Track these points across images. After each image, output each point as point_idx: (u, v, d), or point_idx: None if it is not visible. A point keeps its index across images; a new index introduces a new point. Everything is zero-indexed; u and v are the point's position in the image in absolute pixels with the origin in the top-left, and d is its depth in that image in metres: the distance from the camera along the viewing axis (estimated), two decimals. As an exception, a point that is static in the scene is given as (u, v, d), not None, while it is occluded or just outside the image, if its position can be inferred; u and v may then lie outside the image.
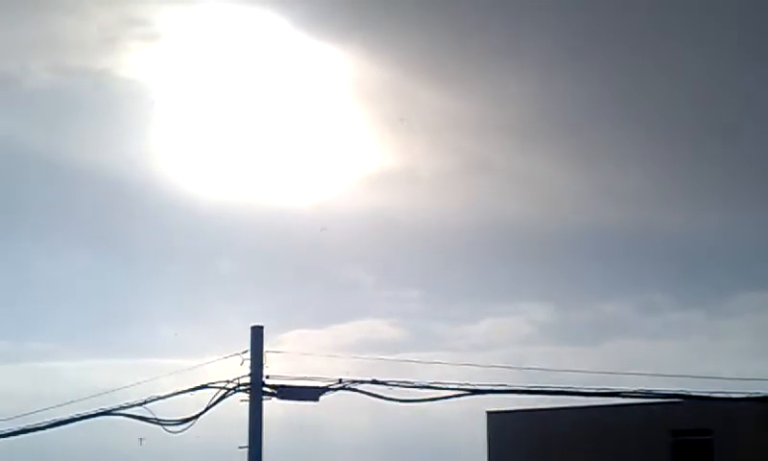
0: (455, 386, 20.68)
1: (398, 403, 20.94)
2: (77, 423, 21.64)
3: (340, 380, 20.85)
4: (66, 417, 21.74)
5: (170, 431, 21.08)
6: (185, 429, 21.05)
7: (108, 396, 21.95)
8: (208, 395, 20.89)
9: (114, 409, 21.26)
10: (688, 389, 21.82)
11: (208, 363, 22.11)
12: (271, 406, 21.21)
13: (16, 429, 22.34)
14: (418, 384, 20.57)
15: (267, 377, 20.98)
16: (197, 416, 20.89)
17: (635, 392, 21.19)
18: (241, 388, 20.94)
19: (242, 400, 21.05)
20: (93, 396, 22.15)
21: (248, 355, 21.07)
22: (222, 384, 20.86)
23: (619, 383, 21.51)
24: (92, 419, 21.54)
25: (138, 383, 22.12)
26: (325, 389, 20.94)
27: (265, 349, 21.16)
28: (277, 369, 21.05)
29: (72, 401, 22.05)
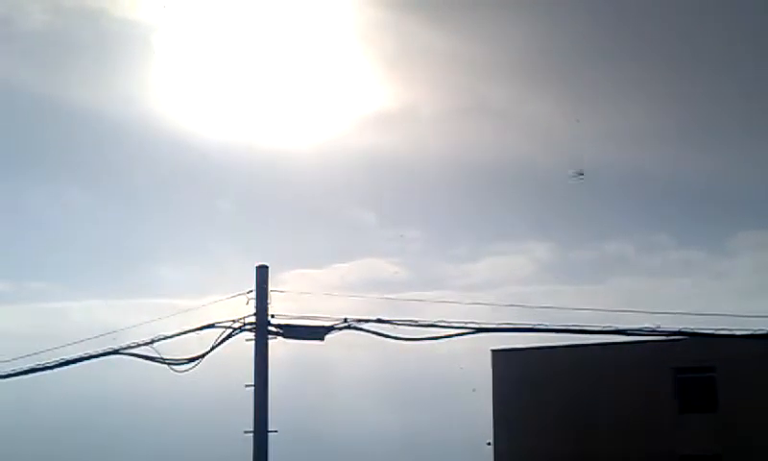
0: (460, 324, 20.71)
1: (403, 342, 20.97)
2: (84, 362, 21.72)
3: (345, 319, 20.87)
4: (74, 356, 21.82)
5: (176, 370, 21.16)
6: (191, 368, 21.13)
7: (112, 336, 22.02)
8: (214, 334, 20.95)
9: (122, 348, 21.32)
10: (691, 326, 21.82)
11: (213, 303, 22.14)
12: (275, 346, 21.27)
13: (24, 369, 22.43)
14: (423, 323, 20.58)
15: (272, 317, 21.02)
16: (203, 355, 20.95)
17: (638, 330, 21.17)
18: (246, 327, 20.98)
19: (247, 340, 21.10)
20: (98, 336, 22.22)
21: (253, 295, 21.08)
22: (228, 324, 20.89)
23: (622, 321, 21.52)
24: (99, 358, 21.61)
25: (144, 323, 22.18)
26: (331, 328, 20.97)
27: (269, 288, 21.17)
28: (281, 308, 21.10)
29: (78, 341, 22.13)
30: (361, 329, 20.91)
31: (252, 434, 21.10)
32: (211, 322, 20.97)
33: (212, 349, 20.91)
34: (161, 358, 21.04)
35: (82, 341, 22.09)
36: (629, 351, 40.41)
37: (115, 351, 21.36)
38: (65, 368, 21.95)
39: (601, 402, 42.66)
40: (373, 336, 20.85)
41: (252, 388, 21.04)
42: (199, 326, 21.04)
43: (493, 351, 44.50)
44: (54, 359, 22.02)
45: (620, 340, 28.58)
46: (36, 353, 22.36)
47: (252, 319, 21.00)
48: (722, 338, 22.59)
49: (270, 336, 21.02)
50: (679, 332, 21.88)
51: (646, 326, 21.13)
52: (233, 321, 20.92)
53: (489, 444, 45.07)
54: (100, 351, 21.59)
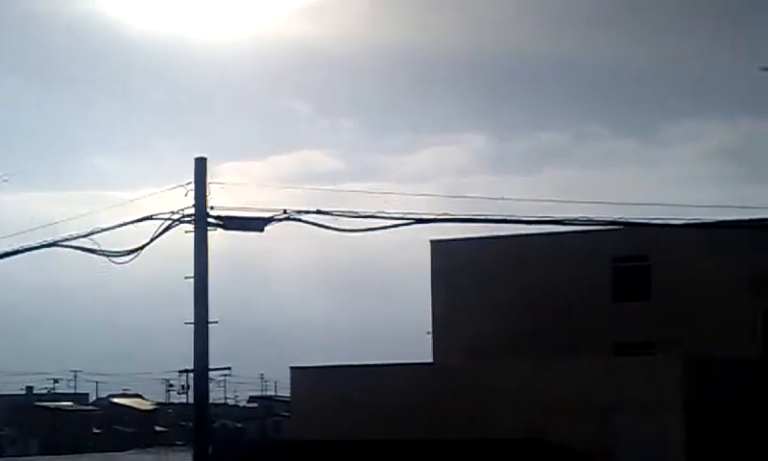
0: (399, 215, 20.82)
1: (343, 233, 21.07)
2: (21, 255, 21.58)
3: (284, 211, 20.89)
4: (11, 249, 21.66)
5: (116, 262, 21.09)
6: (131, 260, 21.08)
7: (49, 228, 21.86)
8: (152, 227, 20.88)
9: (60, 241, 21.19)
10: (627, 216, 22.10)
11: (151, 195, 22.05)
12: (215, 238, 21.27)
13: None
14: (362, 214, 20.65)
15: (212, 208, 20.98)
16: (142, 247, 20.89)
17: (575, 219, 21.40)
18: (186, 219, 20.92)
19: (187, 232, 21.05)
20: (34, 228, 22.05)
21: (191, 187, 20.99)
22: (167, 215, 20.82)
23: (559, 211, 21.72)
24: (36, 251, 21.48)
25: (80, 216, 22.02)
26: (270, 219, 20.98)
27: (208, 180, 21.09)
28: (219, 200, 21.04)
29: (14, 234, 21.94)
30: (300, 220, 20.95)
31: (192, 325, 21.18)
32: (150, 214, 20.90)
33: (151, 240, 20.84)
34: (101, 250, 20.93)
35: (17, 234, 21.92)
36: (566, 241, 40.89)
37: (53, 244, 21.22)
38: (1, 261, 21.79)
39: (538, 292, 43.20)
40: (313, 228, 20.91)
41: (192, 280, 21.07)
42: (137, 217, 20.95)
43: (432, 241, 44.82)
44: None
45: (558, 230, 28.96)
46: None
47: (191, 211, 20.93)
48: (656, 227, 22.93)
49: (209, 228, 20.99)
50: (614, 222, 22.16)
51: (582, 215, 21.35)
52: (172, 213, 20.85)
53: (428, 333, 45.64)
54: (37, 243, 21.44)
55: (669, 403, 34.73)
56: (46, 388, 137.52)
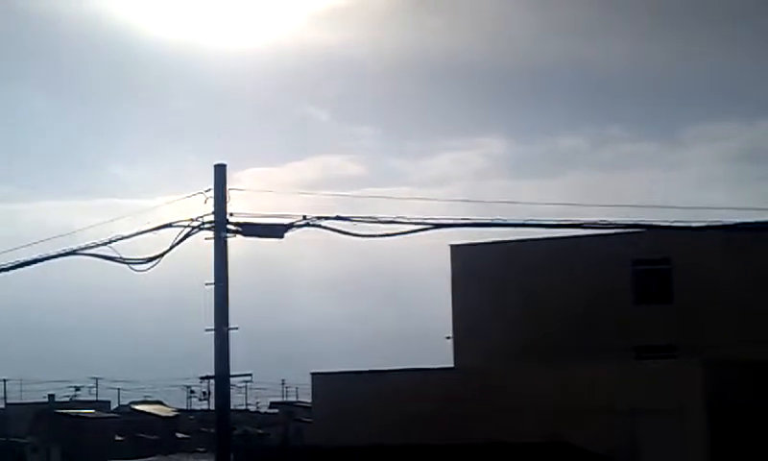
0: (419, 220, 20.80)
1: (363, 239, 21.05)
2: (41, 263, 21.64)
3: (304, 217, 20.91)
4: (31, 258, 21.73)
5: (136, 270, 21.14)
6: (151, 268, 21.12)
7: (69, 236, 21.93)
8: (172, 234, 20.92)
9: (79, 249, 21.24)
10: (648, 219, 22.02)
11: (170, 202, 22.10)
12: (235, 244, 21.30)
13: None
14: (382, 219, 20.64)
15: (231, 215, 21.01)
16: (162, 254, 20.94)
17: (595, 223, 21.33)
18: (205, 226, 20.95)
19: (206, 239, 21.09)
20: (54, 237, 22.12)
21: (211, 194, 21.03)
22: (186, 223, 20.85)
23: (579, 214, 21.66)
24: (56, 259, 21.53)
25: (100, 224, 22.08)
26: (290, 225, 21.00)
27: (227, 187, 21.12)
28: (238, 207, 21.09)
29: (33, 243, 22.01)
30: (320, 227, 20.95)
31: (213, 331, 21.20)
32: (169, 221, 20.94)
33: (171, 248, 20.89)
34: (121, 258, 20.98)
35: (36, 243, 21.99)
36: (586, 244, 40.76)
37: (73, 252, 21.27)
38: (22, 269, 21.86)
39: (558, 295, 43.09)
40: (333, 233, 20.91)
41: (212, 286, 21.10)
42: (157, 225, 21.00)
43: (452, 245, 44.76)
44: (9, 262, 21.92)
45: (578, 233, 28.89)
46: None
47: (211, 218, 20.97)
48: (677, 229, 22.81)
49: (229, 235, 21.02)
50: (634, 225, 22.07)
51: (602, 219, 21.28)
52: (192, 220, 20.88)
53: (448, 338, 45.57)
54: (57, 251, 21.49)
55: (691, 407, 34.55)
56: (68, 396, 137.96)
